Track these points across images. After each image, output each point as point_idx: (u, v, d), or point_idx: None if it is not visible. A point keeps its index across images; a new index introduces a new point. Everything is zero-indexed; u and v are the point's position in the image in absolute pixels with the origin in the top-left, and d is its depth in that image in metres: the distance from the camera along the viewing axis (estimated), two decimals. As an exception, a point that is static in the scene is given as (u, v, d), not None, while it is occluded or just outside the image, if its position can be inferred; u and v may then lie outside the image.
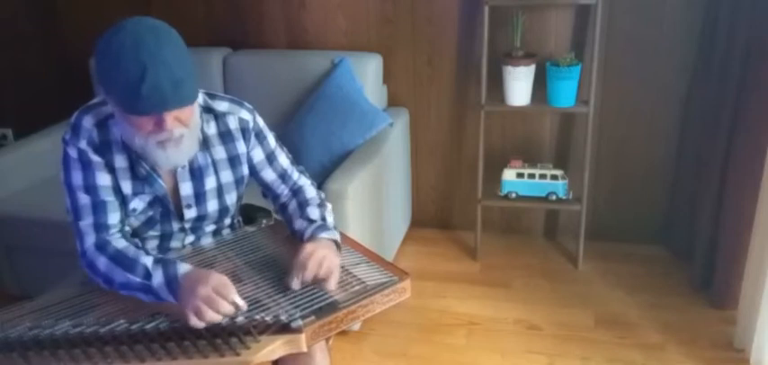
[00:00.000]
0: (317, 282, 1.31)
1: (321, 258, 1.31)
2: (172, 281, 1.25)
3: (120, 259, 1.31)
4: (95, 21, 3.06)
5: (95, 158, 1.34)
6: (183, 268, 1.27)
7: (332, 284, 1.30)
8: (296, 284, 1.30)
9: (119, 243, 1.34)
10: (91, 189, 1.34)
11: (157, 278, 1.27)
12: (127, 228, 1.41)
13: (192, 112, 1.30)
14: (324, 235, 1.40)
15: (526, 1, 2.52)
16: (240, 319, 1.18)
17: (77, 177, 1.34)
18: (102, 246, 1.33)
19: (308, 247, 1.33)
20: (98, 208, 1.34)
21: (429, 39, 2.75)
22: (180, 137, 1.28)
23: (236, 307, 1.20)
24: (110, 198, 1.35)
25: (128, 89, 1.16)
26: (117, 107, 1.24)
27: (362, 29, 2.80)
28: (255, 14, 2.90)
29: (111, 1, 3.01)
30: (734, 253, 2.20)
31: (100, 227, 1.34)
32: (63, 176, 1.36)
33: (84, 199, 1.34)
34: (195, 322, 1.18)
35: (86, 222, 1.34)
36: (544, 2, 2.55)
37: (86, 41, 3.06)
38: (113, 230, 1.36)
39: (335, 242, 1.41)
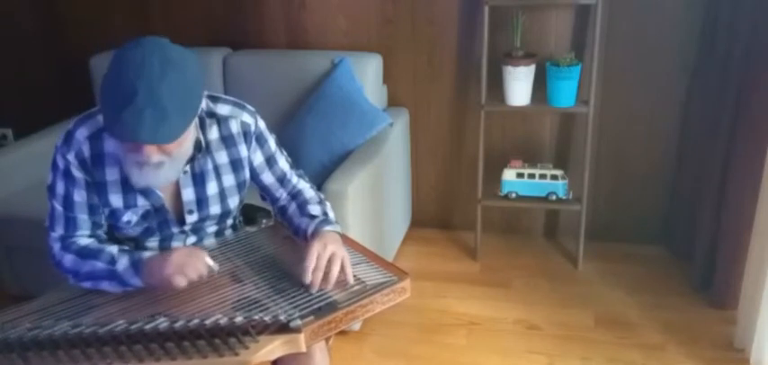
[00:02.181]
0: (333, 281, 1.30)
1: (330, 255, 1.31)
2: (137, 263, 1.31)
3: (85, 252, 1.37)
4: (95, 21, 3.06)
5: (78, 175, 1.36)
6: (147, 253, 1.34)
7: (349, 277, 1.32)
8: (313, 288, 1.29)
9: (83, 241, 1.40)
10: (68, 203, 1.38)
11: (122, 262, 1.32)
12: (104, 235, 1.46)
13: (180, 145, 1.26)
14: (327, 228, 1.40)
15: (526, 1, 2.52)
16: (239, 319, 1.18)
17: (59, 187, 1.38)
18: (67, 247, 1.39)
19: (316, 247, 1.31)
20: (69, 222, 1.40)
21: (429, 39, 2.75)
22: (159, 163, 1.25)
23: (209, 267, 1.29)
24: (83, 215, 1.40)
25: (113, 108, 1.14)
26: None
27: (362, 29, 2.79)
28: (255, 14, 2.90)
29: (111, 1, 3.01)
30: (734, 253, 2.20)
31: (67, 237, 1.40)
32: (49, 180, 1.40)
33: (59, 210, 1.39)
34: (179, 280, 1.25)
35: (57, 233, 1.40)
36: (544, 2, 2.54)
37: (86, 41, 3.06)
38: (79, 236, 1.41)
39: (339, 234, 1.42)
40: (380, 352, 2.24)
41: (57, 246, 1.39)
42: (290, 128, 2.56)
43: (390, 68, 2.81)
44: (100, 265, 1.33)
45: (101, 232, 1.44)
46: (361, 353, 2.23)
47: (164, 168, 1.27)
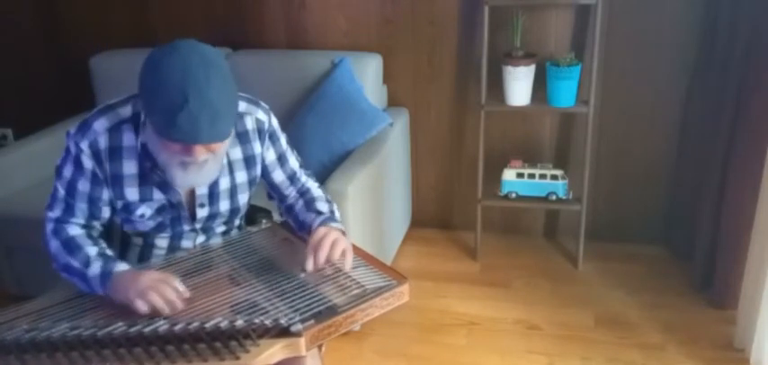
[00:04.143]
0: (332, 264, 1.34)
1: (333, 239, 1.34)
2: (105, 276, 1.29)
3: (69, 245, 1.37)
4: (96, 21, 3.06)
5: (87, 164, 1.36)
6: (121, 266, 1.31)
7: (348, 263, 1.34)
8: (310, 266, 1.33)
9: (73, 230, 1.40)
10: (71, 189, 1.39)
11: (94, 269, 1.31)
12: (98, 227, 1.45)
13: (223, 144, 1.30)
14: (333, 224, 1.43)
15: (526, 1, 2.51)
16: (239, 322, 1.18)
17: (67, 171, 1.38)
18: (57, 231, 1.39)
19: (321, 230, 1.37)
20: (67, 207, 1.40)
21: (429, 39, 2.74)
22: (204, 162, 1.28)
23: (178, 292, 1.25)
24: (82, 204, 1.40)
25: (166, 114, 1.17)
26: (151, 126, 1.24)
27: (362, 29, 2.79)
28: (255, 14, 2.90)
29: (111, 1, 3.00)
30: (734, 253, 2.20)
31: (62, 220, 1.40)
32: (58, 162, 1.40)
33: (61, 192, 1.40)
34: (140, 305, 1.22)
35: (54, 214, 1.40)
36: (544, 2, 2.54)
37: (86, 41, 3.06)
38: (73, 223, 1.41)
39: (343, 232, 1.44)
40: (380, 352, 2.24)
41: (50, 227, 1.40)
42: (290, 128, 2.56)
43: (390, 68, 2.81)
44: (75, 264, 1.34)
45: (96, 224, 1.43)
46: (360, 353, 2.24)
47: (207, 166, 1.30)
